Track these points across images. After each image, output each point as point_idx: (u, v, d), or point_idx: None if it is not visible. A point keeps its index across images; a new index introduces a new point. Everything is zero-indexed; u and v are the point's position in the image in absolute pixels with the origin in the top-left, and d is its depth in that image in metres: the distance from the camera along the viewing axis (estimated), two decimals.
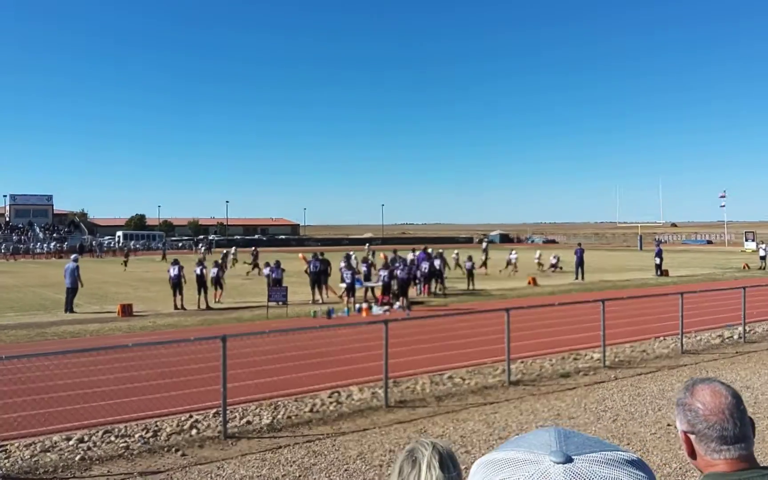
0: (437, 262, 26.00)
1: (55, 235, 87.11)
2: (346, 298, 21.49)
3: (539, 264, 40.04)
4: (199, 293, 22.61)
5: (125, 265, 46.52)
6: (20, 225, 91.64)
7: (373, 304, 21.83)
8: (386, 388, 9.70)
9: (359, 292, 23.86)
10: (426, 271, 25.43)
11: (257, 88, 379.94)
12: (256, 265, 37.52)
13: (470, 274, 28.26)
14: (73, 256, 24.12)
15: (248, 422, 8.77)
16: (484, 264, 38.47)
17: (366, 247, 35.68)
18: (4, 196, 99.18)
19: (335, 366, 12.28)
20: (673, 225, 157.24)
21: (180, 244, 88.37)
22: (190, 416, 8.92)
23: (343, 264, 22.94)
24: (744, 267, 40.32)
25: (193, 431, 8.37)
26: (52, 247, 73.95)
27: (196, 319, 19.76)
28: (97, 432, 8.23)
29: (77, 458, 7.45)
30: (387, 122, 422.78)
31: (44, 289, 30.27)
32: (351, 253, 28.90)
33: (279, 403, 9.61)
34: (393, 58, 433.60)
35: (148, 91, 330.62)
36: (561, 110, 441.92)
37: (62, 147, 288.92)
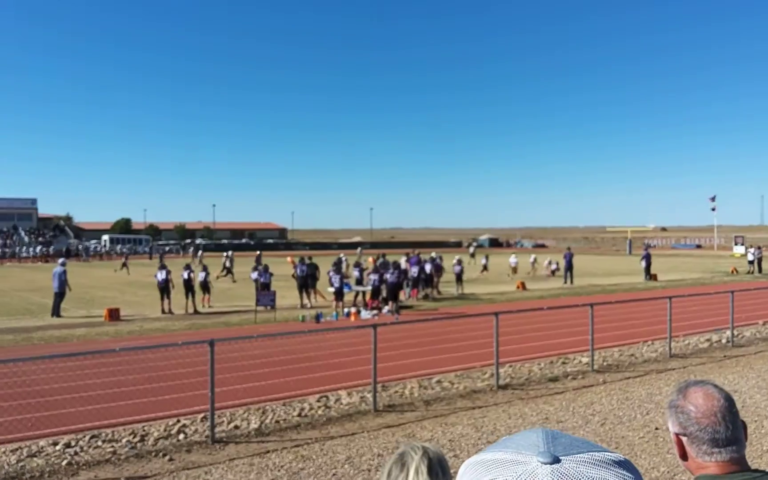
0: (428, 267, 26.09)
1: (40, 239, 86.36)
2: (334, 303, 21.45)
3: (534, 268, 40.25)
4: (187, 297, 22.51)
5: (126, 268, 45.97)
6: (4, 229, 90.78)
7: (361, 309, 21.79)
8: (375, 392, 9.68)
9: (350, 296, 23.85)
10: (415, 275, 25.47)
11: (244, 91, 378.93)
12: (229, 271, 37.03)
13: (459, 279, 28.31)
14: (60, 261, 23.93)
15: (236, 427, 8.72)
16: (485, 268, 38.67)
17: (358, 251, 35.73)
18: None
19: (324, 370, 12.25)
20: (663, 229, 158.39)
21: (167, 249, 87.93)
22: (178, 421, 8.86)
23: (332, 268, 22.90)
24: (732, 271, 40.65)
25: (181, 436, 8.31)
26: (38, 251, 73.34)
27: (183, 323, 19.65)
28: (84, 436, 8.16)
29: (64, 463, 7.38)
30: (376, 126, 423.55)
31: (30, 294, 30.01)
32: (342, 256, 28.89)
33: (267, 407, 9.57)
34: (381, 62, 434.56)
35: (134, 94, 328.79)
36: (552, 115, 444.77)
37: (46, 150, 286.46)
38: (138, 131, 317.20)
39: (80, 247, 76.90)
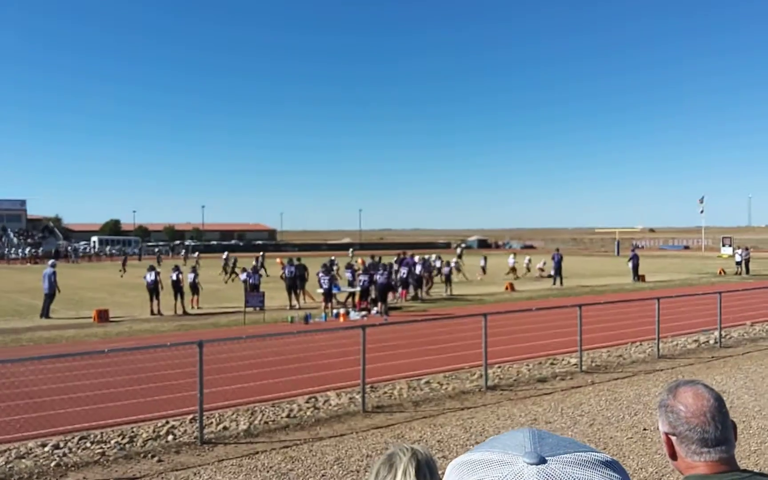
0: (418, 268, 26.15)
1: (29, 240, 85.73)
2: (323, 304, 21.45)
3: (527, 269, 40.38)
4: (176, 298, 22.43)
5: (123, 269, 45.64)
6: None
7: (350, 310, 21.79)
8: (363, 393, 9.69)
9: (342, 297, 23.85)
10: (404, 276, 25.52)
11: (233, 93, 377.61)
12: (233, 271, 36.95)
13: (448, 280, 28.36)
14: (50, 262, 23.82)
15: (225, 428, 8.70)
16: (483, 270, 38.72)
17: (350, 252, 35.72)
18: None
19: (313, 371, 12.24)
20: (651, 230, 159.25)
21: (156, 250, 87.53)
22: (167, 422, 8.83)
23: (321, 269, 22.89)
24: (720, 272, 40.93)
25: (170, 437, 8.29)
26: (26, 252, 72.80)
27: (172, 324, 19.58)
28: (73, 438, 8.13)
29: (53, 465, 7.34)
30: (365, 128, 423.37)
31: (19, 295, 29.78)
32: (333, 258, 28.89)
33: (256, 408, 9.56)
34: (372, 64, 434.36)
35: (123, 95, 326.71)
36: (541, 118, 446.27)
37: (36, 151, 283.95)
38: (127, 133, 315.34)
39: (69, 248, 76.35)
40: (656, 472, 6.90)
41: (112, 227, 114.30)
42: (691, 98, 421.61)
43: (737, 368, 12.30)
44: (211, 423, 8.79)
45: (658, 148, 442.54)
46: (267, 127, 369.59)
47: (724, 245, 71.11)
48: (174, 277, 22.42)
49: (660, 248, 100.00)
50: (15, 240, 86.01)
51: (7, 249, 77.17)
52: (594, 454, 0.88)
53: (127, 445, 7.97)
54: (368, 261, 25.24)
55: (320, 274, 22.14)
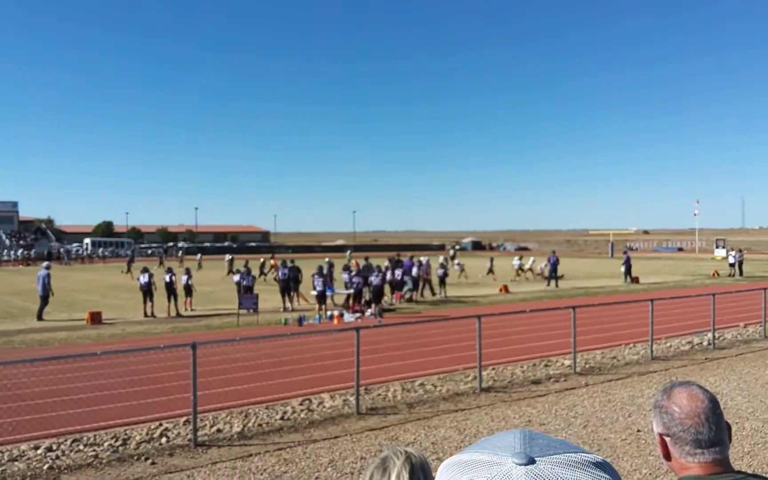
0: (415, 270, 26.22)
1: (21, 242, 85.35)
2: (317, 306, 21.42)
3: (530, 270, 40.42)
4: (169, 300, 22.36)
5: (129, 272, 45.26)
6: None
7: (344, 312, 21.77)
8: (357, 395, 9.68)
9: (338, 299, 23.82)
10: (399, 278, 25.53)
11: (226, 94, 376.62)
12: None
13: (442, 282, 28.38)
14: (45, 264, 23.81)
15: (219, 430, 8.67)
16: (491, 270, 38.75)
17: (347, 253, 35.72)
18: None
19: (306, 373, 12.22)
20: (645, 232, 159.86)
21: (150, 252, 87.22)
22: (160, 424, 8.80)
23: (316, 271, 22.87)
24: (714, 274, 41.07)
25: (163, 439, 8.26)
26: (19, 254, 72.44)
27: (166, 326, 19.51)
28: (66, 440, 8.09)
29: (45, 467, 7.31)
30: (359, 129, 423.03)
31: (11, 297, 29.63)
32: (332, 260, 28.83)
33: (250, 411, 9.53)
34: (365, 64, 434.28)
35: (115, 96, 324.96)
36: (535, 119, 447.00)
37: (28, 152, 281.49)
38: (120, 134, 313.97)
39: (62, 250, 76.01)
40: (650, 474, 6.92)
41: (105, 229, 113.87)
42: (684, 100, 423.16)
43: (730, 370, 12.35)
44: (205, 425, 8.76)
45: (652, 150, 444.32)
46: (260, 128, 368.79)
47: (717, 247, 71.34)
48: (167, 279, 22.35)
49: (654, 250, 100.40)
50: (7, 242, 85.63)
51: None
52: (584, 455, 0.88)
53: (120, 448, 7.94)
54: (362, 263, 25.24)
55: (314, 276, 22.11)
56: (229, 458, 7.67)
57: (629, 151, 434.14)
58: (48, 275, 22.09)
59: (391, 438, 8.39)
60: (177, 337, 17.12)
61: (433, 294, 27.69)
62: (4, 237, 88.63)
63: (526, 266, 40.08)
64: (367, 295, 22.71)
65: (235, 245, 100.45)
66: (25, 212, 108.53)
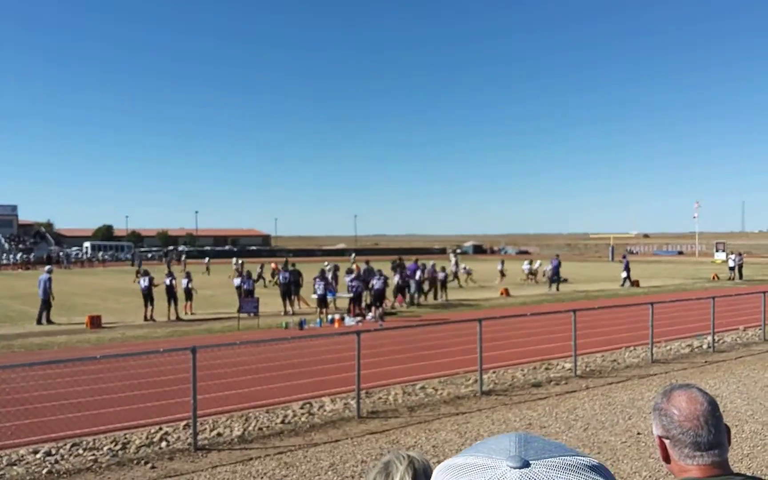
0: (418, 274, 26.28)
1: (20, 246, 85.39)
2: (318, 309, 21.42)
3: (535, 273, 40.43)
4: (169, 304, 22.36)
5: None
6: None
7: (345, 315, 21.77)
8: (358, 398, 9.67)
9: (342, 303, 23.81)
10: (400, 281, 25.55)
11: (226, 96, 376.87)
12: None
13: (443, 285, 28.39)
14: (47, 268, 23.86)
15: (219, 434, 8.66)
16: (502, 273, 38.79)
17: (352, 257, 35.72)
18: None
19: (307, 377, 12.21)
20: (645, 236, 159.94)
21: (150, 255, 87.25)
22: (160, 428, 8.79)
23: (317, 274, 22.88)
24: (714, 277, 41.10)
25: (163, 443, 8.25)
26: (18, 258, 72.47)
27: (166, 330, 19.51)
28: (65, 445, 8.08)
29: (44, 472, 7.29)
30: (360, 133, 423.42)
31: (11, 301, 29.62)
32: (330, 263, 28.82)
33: (250, 414, 9.52)
34: (366, 68, 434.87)
35: (115, 99, 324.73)
36: (535, 123, 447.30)
37: (27, 156, 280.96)
38: (120, 137, 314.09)
39: (61, 253, 76.03)
40: (650, 476, 6.91)
41: (105, 232, 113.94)
42: (685, 105, 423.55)
43: (730, 373, 12.34)
44: (205, 429, 8.75)
45: (652, 154, 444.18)
46: (261, 131, 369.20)
47: (717, 251, 71.42)
48: (168, 283, 22.36)
49: (654, 254, 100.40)
50: (6, 246, 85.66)
51: None
52: (580, 458, 0.87)
53: (119, 452, 7.92)
54: (363, 267, 25.25)
55: (316, 280, 22.12)
56: (229, 462, 7.66)
57: (630, 155, 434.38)
58: (49, 279, 22.13)
59: (392, 441, 8.39)
60: (177, 340, 17.10)
61: (435, 298, 27.70)
62: (3, 241, 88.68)
63: (534, 270, 40.16)
64: (368, 298, 22.70)
65: (235, 249, 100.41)
66: (25, 216, 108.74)
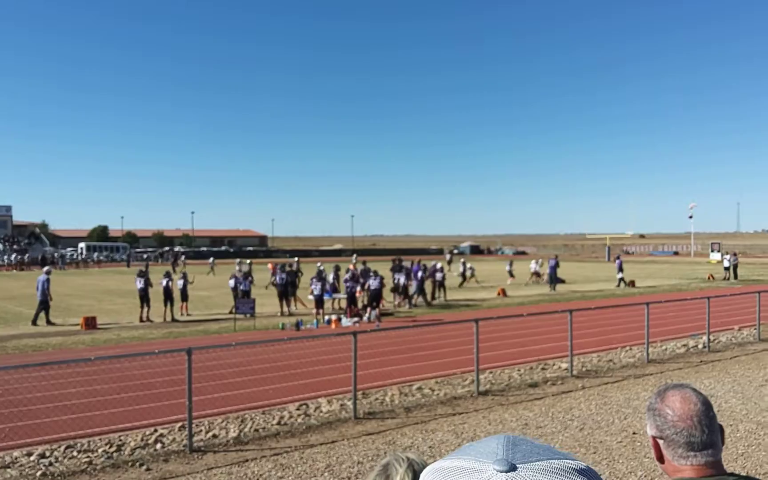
0: (419, 275, 26.30)
1: (15, 246, 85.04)
2: (315, 310, 21.40)
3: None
4: (166, 305, 22.32)
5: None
6: None
7: (342, 316, 21.75)
8: (355, 399, 9.65)
9: (341, 303, 23.78)
10: (397, 281, 25.56)
11: (222, 96, 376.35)
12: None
13: (441, 286, 28.39)
14: (45, 269, 23.84)
15: (214, 436, 8.63)
16: (511, 274, 38.91)
17: (353, 257, 35.74)
18: None
19: (304, 378, 12.19)
20: (641, 236, 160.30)
21: (145, 256, 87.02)
22: (155, 430, 8.76)
23: (314, 275, 22.86)
24: (709, 278, 41.20)
25: (158, 445, 8.22)
26: (13, 259, 72.15)
27: (161, 331, 19.45)
28: (59, 447, 8.04)
29: (38, 474, 7.26)
30: (356, 133, 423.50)
31: (5, 302, 29.49)
32: (323, 264, 28.83)
33: (246, 416, 9.50)
34: (363, 68, 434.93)
35: (111, 99, 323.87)
36: (532, 123, 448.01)
37: (21, 156, 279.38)
38: (115, 137, 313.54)
39: (56, 254, 75.75)
40: (645, 476, 6.91)
41: (100, 233, 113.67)
42: (681, 105, 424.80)
43: (725, 372, 12.37)
44: (201, 431, 8.72)
45: (648, 154, 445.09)
46: (257, 131, 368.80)
47: (713, 251, 71.63)
48: (164, 284, 22.32)
49: (650, 254, 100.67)
50: (0, 246, 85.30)
51: None
52: (567, 461, 0.86)
53: (114, 454, 7.89)
54: (360, 267, 25.26)
55: (313, 280, 22.11)
56: (225, 464, 7.63)
57: (626, 156, 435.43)
58: (47, 280, 22.11)
59: (389, 442, 8.37)
60: (172, 342, 17.06)
61: (433, 298, 27.66)
62: None
63: (541, 270, 40.28)
64: (365, 298, 22.67)
65: (231, 250, 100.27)
66: (19, 216, 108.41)
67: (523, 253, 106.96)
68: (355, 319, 21.43)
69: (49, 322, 21.26)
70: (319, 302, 21.35)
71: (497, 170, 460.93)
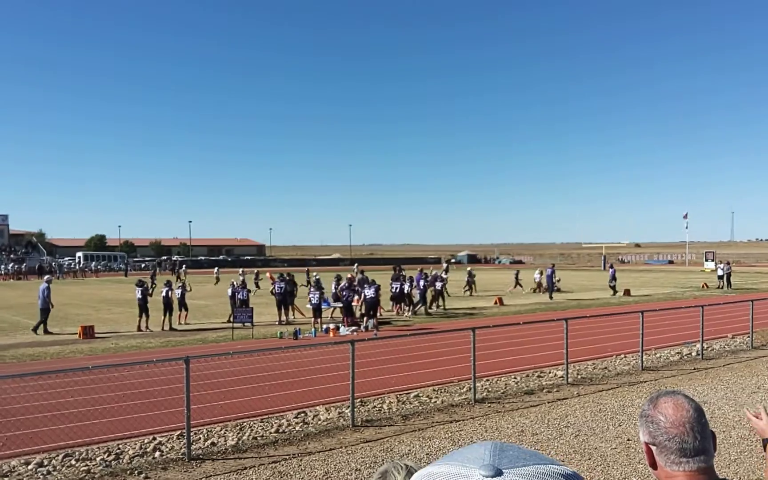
0: (422, 283, 26.38)
1: (12, 256, 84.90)
2: (313, 319, 21.45)
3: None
4: (165, 315, 22.37)
5: (153, 284, 44.34)
6: None
7: (340, 325, 21.80)
8: (353, 407, 9.72)
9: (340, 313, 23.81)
10: (396, 291, 25.64)
11: (219, 104, 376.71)
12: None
13: (440, 295, 28.43)
14: (46, 278, 24.18)
15: (213, 443, 8.69)
16: (517, 283, 39.18)
17: (355, 266, 35.80)
18: None
19: (302, 386, 12.25)
20: (637, 245, 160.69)
21: (143, 265, 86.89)
22: (154, 438, 8.81)
23: (312, 284, 22.91)
24: (703, 286, 41.36)
25: (157, 453, 8.27)
26: (9, 268, 72.04)
27: (159, 340, 19.48)
28: (58, 456, 8.07)
29: None
30: (354, 142, 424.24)
31: (3, 312, 29.47)
32: (315, 274, 28.87)
33: (244, 424, 9.55)
34: (360, 75, 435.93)
35: (108, 107, 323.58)
36: (528, 132, 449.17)
37: (18, 165, 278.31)
38: (112, 146, 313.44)
39: (53, 264, 75.62)
40: None
41: (98, 242, 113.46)
42: (676, 115, 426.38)
43: (718, 379, 12.48)
44: (199, 439, 8.77)
45: (643, 164, 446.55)
46: (255, 141, 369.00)
47: (707, 260, 71.87)
48: (164, 293, 22.39)
49: (645, 263, 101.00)
50: None
51: None
52: (554, 466, 0.87)
53: (113, 463, 7.93)
54: (359, 276, 25.32)
55: (311, 289, 22.16)
56: (223, 471, 7.69)
57: (622, 166, 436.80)
58: (47, 288, 22.27)
59: (387, 449, 8.44)
60: (170, 351, 17.10)
61: (431, 307, 27.66)
62: None
63: (540, 279, 40.39)
64: (362, 307, 22.71)
65: (229, 259, 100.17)
66: (16, 225, 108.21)
67: (520, 262, 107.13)
68: (353, 327, 21.47)
69: (47, 332, 21.30)
70: (317, 311, 21.41)
71: (495, 180, 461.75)
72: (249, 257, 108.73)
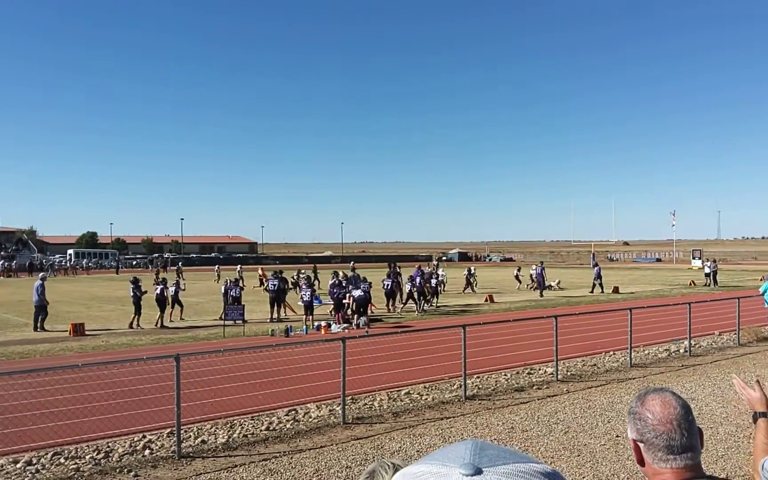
0: (418, 280, 26.40)
1: (2, 253, 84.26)
2: (304, 316, 21.45)
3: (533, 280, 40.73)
4: (162, 312, 22.37)
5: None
6: None
7: (332, 322, 21.81)
8: (344, 405, 9.74)
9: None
10: (388, 288, 25.66)
11: (211, 102, 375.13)
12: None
13: (435, 293, 28.47)
14: (41, 275, 24.18)
15: (203, 441, 8.69)
16: (518, 279, 39.74)
17: (351, 265, 35.81)
18: None
19: (293, 384, 12.26)
20: (625, 243, 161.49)
21: (135, 263, 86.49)
22: (144, 436, 8.79)
23: (305, 281, 22.91)
24: (690, 284, 41.67)
25: (147, 451, 8.26)
26: (0, 265, 71.48)
27: (150, 338, 19.42)
28: (47, 454, 8.05)
29: None
30: (345, 140, 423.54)
31: None
32: (309, 271, 28.95)
33: (235, 421, 9.56)
34: (351, 74, 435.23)
35: (99, 104, 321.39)
36: (517, 131, 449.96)
37: (8, 161, 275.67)
38: (103, 143, 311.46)
39: (44, 261, 75.10)
40: (628, 478, 7.06)
41: (89, 240, 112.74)
42: (663, 114, 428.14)
43: (706, 376, 12.59)
44: (189, 437, 8.77)
45: (632, 163, 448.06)
46: (246, 138, 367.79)
47: (694, 258, 72.32)
48: (158, 292, 22.33)
49: (634, 261, 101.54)
50: None
51: None
52: (533, 465, 0.88)
53: (102, 461, 7.91)
54: (350, 274, 25.33)
55: (302, 286, 22.14)
56: (213, 469, 7.69)
57: (610, 164, 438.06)
58: (41, 285, 22.25)
59: (377, 447, 8.47)
60: (161, 348, 17.06)
61: (428, 304, 27.69)
62: None
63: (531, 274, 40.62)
64: (353, 305, 22.72)
65: (221, 256, 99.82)
66: (6, 222, 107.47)
67: (510, 259, 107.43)
68: (345, 325, 21.49)
69: (42, 328, 21.21)
70: (308, 308, 21.41)
71: (486, 178, 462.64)
72: (241, 255, 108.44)
